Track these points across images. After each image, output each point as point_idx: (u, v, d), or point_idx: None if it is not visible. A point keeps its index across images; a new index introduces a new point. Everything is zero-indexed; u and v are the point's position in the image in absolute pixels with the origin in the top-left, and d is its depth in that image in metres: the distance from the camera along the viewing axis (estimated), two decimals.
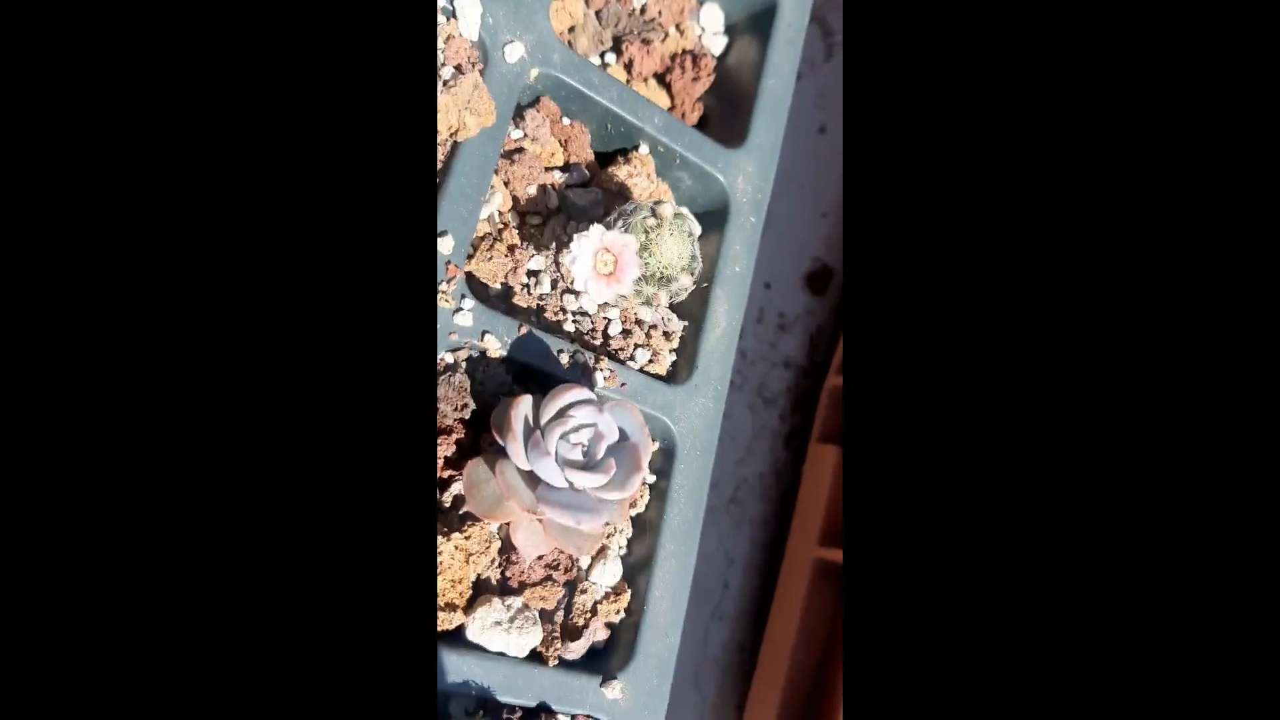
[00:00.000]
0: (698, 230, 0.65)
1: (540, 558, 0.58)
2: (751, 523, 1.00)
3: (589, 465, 0.52)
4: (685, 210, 0.62)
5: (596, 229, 0.55)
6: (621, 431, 0.54)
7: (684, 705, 0.92)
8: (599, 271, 0.56)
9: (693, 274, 0.61)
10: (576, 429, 0.53)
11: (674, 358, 0.70)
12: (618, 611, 0.63)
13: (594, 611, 0.61)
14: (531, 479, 0.52)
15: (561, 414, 0.52)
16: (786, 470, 1.03)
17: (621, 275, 0.56)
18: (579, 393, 0.53)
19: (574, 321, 0.65)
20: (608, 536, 0.64)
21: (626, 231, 0.56)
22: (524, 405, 0.52)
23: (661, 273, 0.58)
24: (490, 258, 0.62)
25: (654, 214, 0.58)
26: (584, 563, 0.63)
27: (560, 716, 0.57)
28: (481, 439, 0.58)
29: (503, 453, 0.53)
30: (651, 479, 0.67)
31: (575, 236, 0.55)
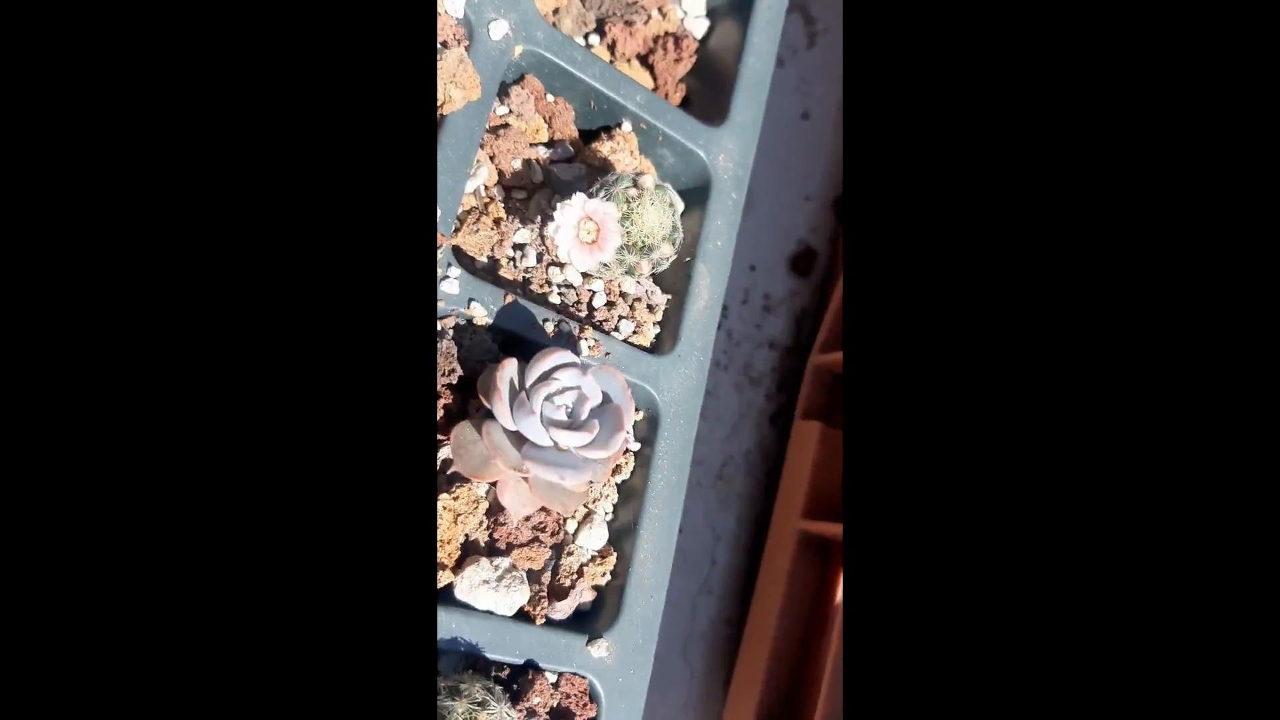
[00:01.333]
0: (680, 205, 0.67)
1: (527, 519, 0.60)
2: (738, 499, 1.02)
3: (573, 425, 0.54)
4: (667, 184, 0.64)
5: (579, 197, 0.56)
6: (605, 395, 0.56)
7: (673, 678, 0.94)
8: (582, 240, 0.58)
9: (674, 244, 0.63)
10: (561, 391, 0.54)
11: (657, 330, 0.71)
12: (604, 574, 0.64)
13: (580, 573, 0.63)
14: (517, 439, 0.54)
15: (546, 376, 0.54)
16: (772, 448, 1.05)
17: (604, 243, 0.57)
18: (563, 356, 0.54)
19: (559, 294, 0.67)
20: (593, 501, 0.65)
21: (608, 201, 0.58)
22: (510, 368, 0.54)
23: (643, 241, 0.60)
24: (477, 231, 0.63)
25: (635, 184, 0.60)
26: (570, 527, 0.64)
27: (547, 674, 0.59)
28: (469, 404, 0.60)
29: (489, 416, 0.55)
30: (636, 446, 0.68)
31: (559, 205, 0.57)
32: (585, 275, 0.67)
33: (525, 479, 0.55)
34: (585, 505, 0.65)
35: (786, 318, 1.09)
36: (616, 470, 0.67)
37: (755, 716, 0.85)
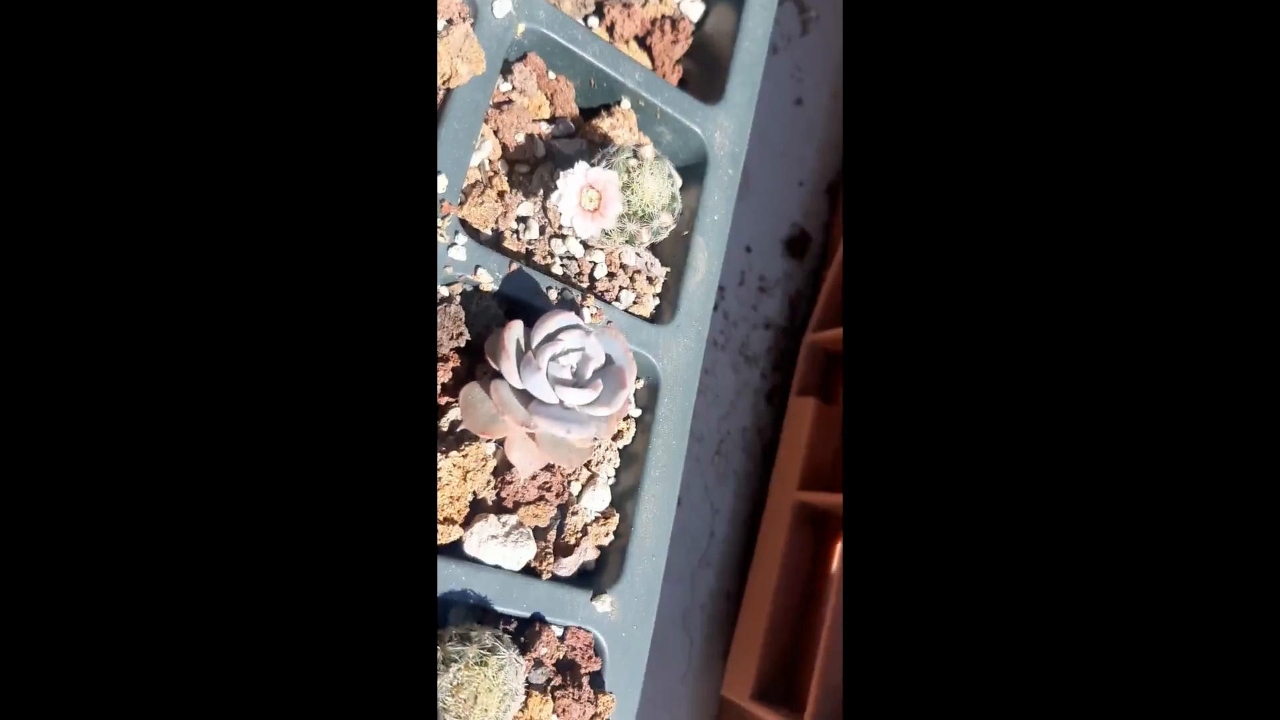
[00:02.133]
0: (678, 179, 0.69)
1: (533, 478, 0.62)
2: (735, 475, 1.04)
3: (578, 383, 0.56)
4: (665, 156, 0.66)
5: (581, 165, 0.59)
6: (608, 356, 0.58)
7: (673, 647, 0.96)
8: (584, 207, 0.60)
9: (673, 214, 0.65)
10: (565, 352, 0.57)
11: (657, 301, 0.73)
12: (607, 534, 0.66)
13: (584, 533, 0.65)
14: (524, 397, 0.56)
15: (552, 337, 0.56)
16: (768, 426, 1.07)
17: (605, 211, 0.59)
18: (568, 318, 0.56)
19: (562, 265, 0.69)
20: (596, 464, 0.67)
21: (610, 170, 0.60)
22: (516, 329, 0.56)
23: (643, 210, 0.62)
24: (482, 203, 0.66)
25: (635, 155, 0.62)
26: (575, 489, 0.66)
27: (554, 627, 0.61)
28: (476, 368, 0.62)
29: (497, 377, 0.57)
30: (637, 413, 0.70)
31: (561, 173, 0.59)
32: (587, 247, 0.69)
33: (532, 435, 0.57)
34: (589, 468, 0.67)
35: (781, 299, 1.11)
36: (618, 436, 0.70)
37: (754, 684, 0.87)
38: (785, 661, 0.89)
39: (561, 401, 0.56)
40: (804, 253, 1.14)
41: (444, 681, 0.51)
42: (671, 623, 0.96)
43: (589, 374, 0.57)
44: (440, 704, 0.51)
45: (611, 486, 0.69)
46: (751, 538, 1.01)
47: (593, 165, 0.60)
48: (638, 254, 0.72)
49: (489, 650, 0.52)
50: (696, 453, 1.01)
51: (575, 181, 0.59)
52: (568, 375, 0.56)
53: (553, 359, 0.56)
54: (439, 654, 0.52)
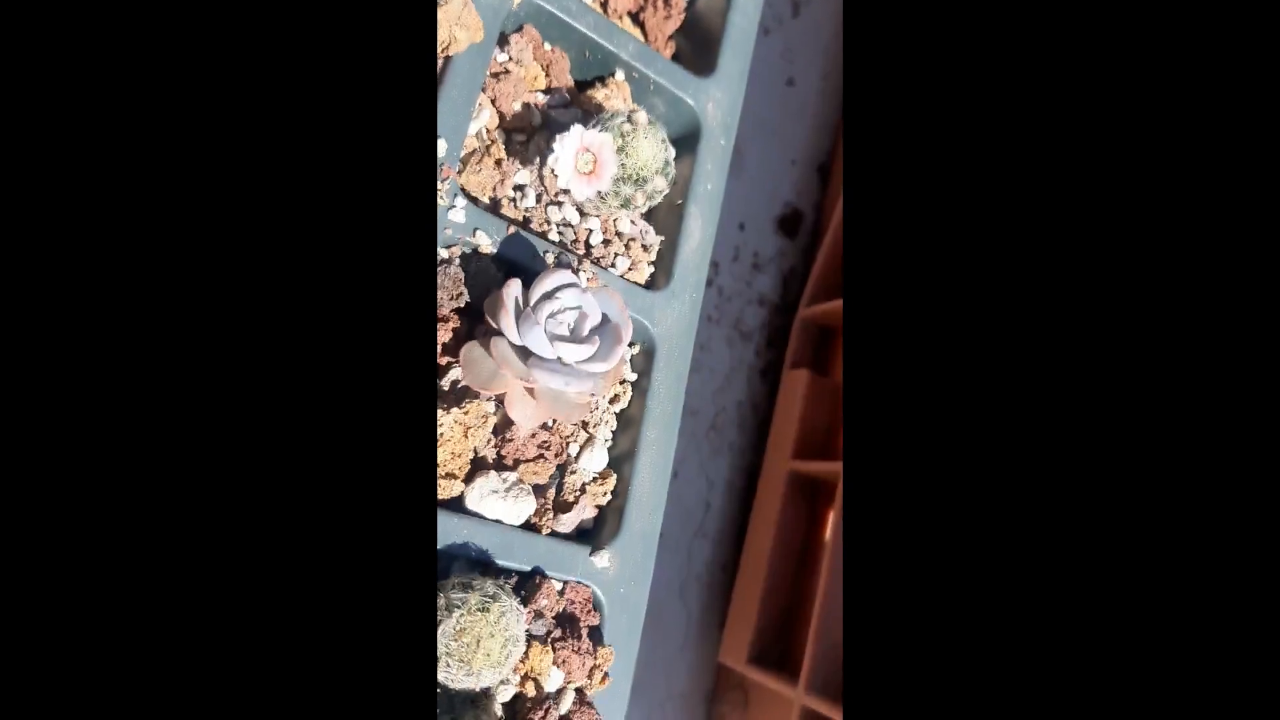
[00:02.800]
0: (671, 149, 0.70)
1: (533, 436, 0.63)
2: (730, 448, 1.05)
3: (575, 339, 0.57)
4: (659, 122, 0.67)
5: (577, 128, 0.60)
6: (604, 315, 0.60)
7: (671, 619, 0.97)
8: (580, 170, 0.61)
9: (667, 178, 0.66)
10: (563, 310, 0.58)
11: (651, 269, 0.75)
12: (604, 494, 0.68)
13: (583, 491, 0.67)
14: (523, 353, 0.57)
15: (550, 295, 0.57)
16: (762, 401, 1.08)
17: (601, 173, 0.61)
18: (565, 276, 0.58)
19: (558, 232, 0.70)
20: (594, 426, 0.69)
21: (605, 133, 0.62)
22: (515, 286, 0.57)
23: (638, 174, 0.63)
24: (479, 170, 0.67)
25: (630, 120, 0.64)
26: (573, 450, 0.68)
27: (553, 581, 0.62)
28: (475, 328, 0.63)
29: (496, 336, 0.58)
30: (633, 377, 0.72)
31: (558, 136, 0.60)
32: (582, 214, 0.71)
33: (530, 391, 0.58)
34: (586, 430, 0.69)
35: (775, 276, 1.13)
36: (615, 400, 0.71)
37: (750, 648, 0.89)
38: (781, 626, 0.91)
39: (560, 358, 0.57)
40: (796, 230, 1.15)
41: (446, 627, 0.52)
42: (669, 594, 0.98)
43: (586, 331, 0.58)
44: (443, 649, 0.52)
45: (608, 449, 0.70)
46: (746, 510, 1.02)
47: (588, 129, 0.62)
48: (632, 221, 0.73)
49: (491, 598, 0.54)
50: (691, 427, 1.03)
51: (571, 144, 0.60)
52: (565, 332, 0.58)
53: (551, 316, 0.57)
54: (441, 601, 0.53)
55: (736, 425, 1.06)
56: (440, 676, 0.52)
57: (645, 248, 0.74)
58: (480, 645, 0.52)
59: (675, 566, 0.99)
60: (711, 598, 1.01)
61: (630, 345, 0.70)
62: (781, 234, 1.14)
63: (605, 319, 0.59)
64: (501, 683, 0.59)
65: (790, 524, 0.92)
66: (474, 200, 0.67)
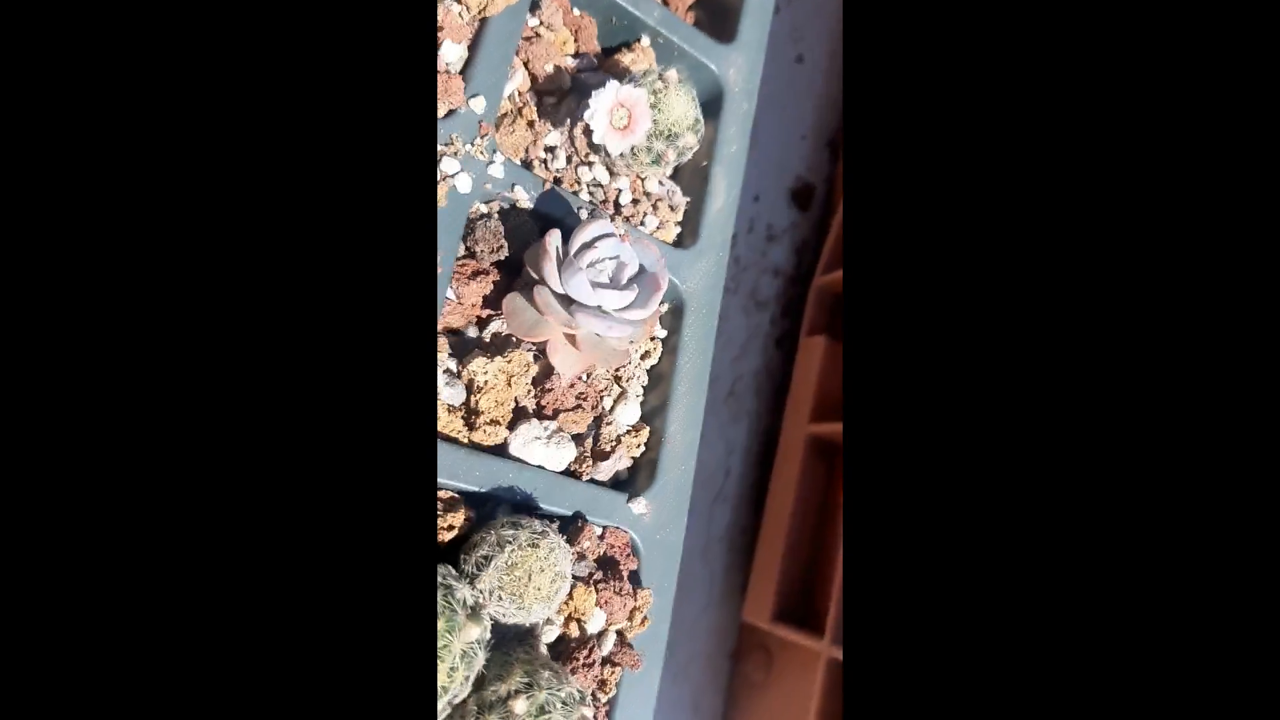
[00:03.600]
0: (700, 110, 0.72)
1: (571, 386, 0.65)
2: (749, 415, 1.07)
3: (615, 287, 0.59)
4: (689, 82, 0.69)
5: (612, 84, 0.62)
6: (641, 265, 0.61)
7: (694, 578, 0.99)
8: (614, 125, 0.63)
9: (696, 134, 0.68)
10: (602, 259, 0.60)
11: (679, 229, 0.77)
12: (638, 445, 0.70)
13: (618, 442, 0.68)
14: (565, 301, 0.59)
15: (589, 244, 0.59)
16: (778, 369, 1.10)
17: (635, 127, 0.63)
18: (604, 226, 0.60)
19: (589, 191, 0.72)
20: (626, 381, 0.71)
21: (639, 89, 0.63)
22: (556, 236, 0.59)
23: (670, 129, 0.65)
24: (513, 131, 0.69)
25: (661, 78, 0.65)
26: (607, 403, 0.70)
27: (593, 525, 0.64)
28: (514, 282, 0.65)
29: (536, 287, 0.60)
30: (663, 334, 0.74)
31: (594, 91, 0.62)
32: (612, 174, 0.73)
33: (571, 339, 0.60)
34: (619, 384, 0.70)
35: (788, 247, 1.15)
36: (645, 356, 0.73)
37: (774, 606, 0.91)
38: (804, 584, 0.93)
39: (600, 306, 0.59)
40: (809, 203, 1.17)
41: (499, 561, 0.54)
42: (691, 557, 1.00)
43: (625, 279, 0.60)
44: (495, 584, 0.54)
45: (640, 403, 0.72)
46: (765, 474, 1.04)
47: (623, 85, 0.64)
48: (660, 182, 0.75)
49: (540, 534, 0.56)
50: (710, 395, 1.04)
51: (606, 99, 0.62)
52: (605, 280, 0.59)
53: (591, 265, 0.59)
54: (493, 537, 0.55)
55: (754, 392, 1.08)
56: (492, 611, 0.54)
57: (672, 208, 0.76)
58: (531, 580, 0.54)
59: (697, 530, 1.01)
60: (733, 560, 1.02)
61: (660, 303, 0.72)
62: (794, 206, 1.16)
63: (642, 269, 0.61)
64: (546, 623, 0.60)
65: (810, 485, 0.94)
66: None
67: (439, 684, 0.48)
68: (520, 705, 0.49)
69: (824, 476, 0.96)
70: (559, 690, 0.51)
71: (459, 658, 0.48)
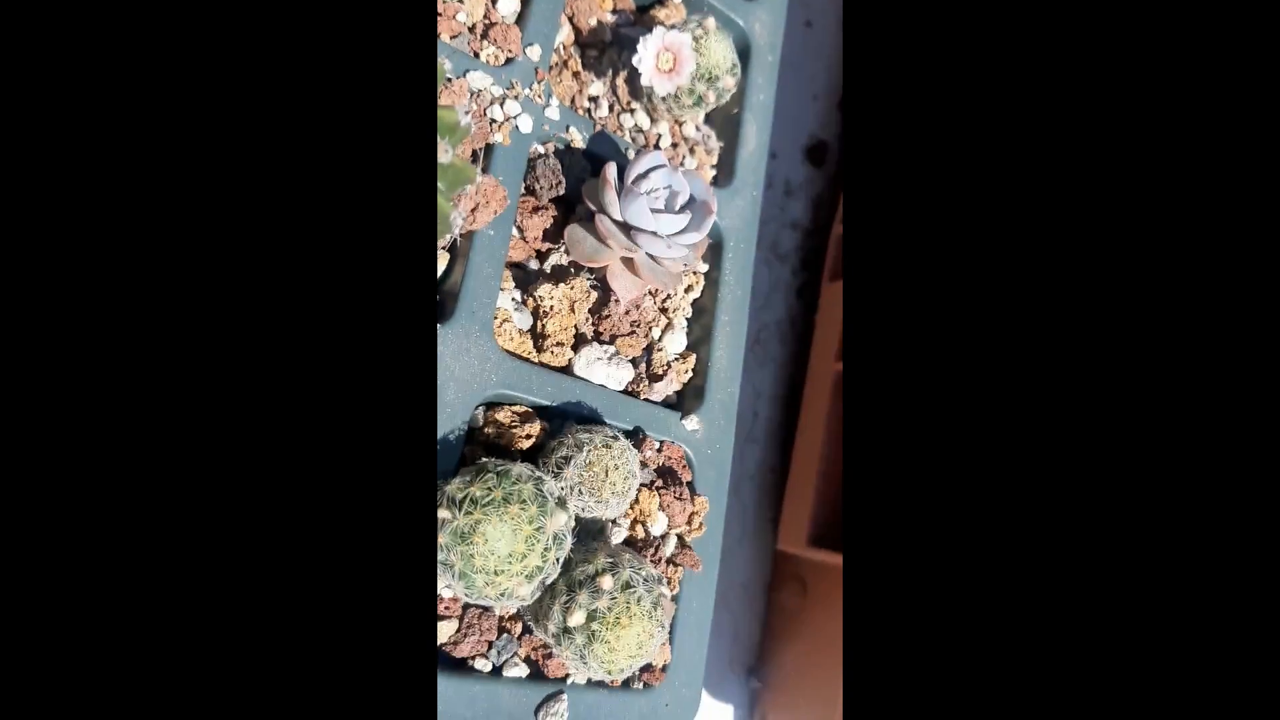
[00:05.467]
0: (736, 55, 0.77)
1: (626, 313, 0.70)
2: (774, 362, 1.12)
3: (670, 212, 0.64)
4: (726, 30, 0.74)
5: (659, 30, 0.67)
6: (691, 194, 0.67)
7: (729, 512, 1.05)
8: (660, 69, 0.68)
9: (734, 77, 0.73)
10: (656, 189, 0.65)
11: (714, 171, 0.82)
12: (686, 371, 0.75)
13: (669, 367, 0.74)
14: (623, 229, 0.64)
15: (645, 175, 0.64)
16: (800, 318, 1.16)
17: (680, 69, 0.68)
18: (657, 157, 0.65)
19: (630, 136, 0.77)
20: (673, 312, 0.76)
21: (683, 34, 0.68)
22: (613, 168, 0.64)
23: (710, 72, 0.70)
24: (560, 81, 0.74)
25: (701, 25, 0.70)
26: (655, 334, 0.75)
27: (652, 439, 0.69)
28: (569, 217, 0.70)
29: (597, 214, 0.65)
30: (704, 268, 0.79)
31: (641, 38, 0.67)
32: (652, 120, 0.78)
33: (628, 264, 0.65)
34: (666, 316, 0.76)
35: (806, 202, 1.20)
36: (689, 289, 0.78)
37: (809, 532, 0.96)
38: (836, 511, 0.98)
39: (656, 231, 0.64)
40: (823, 160, 1.22)
41: (578, 460, 0.59)
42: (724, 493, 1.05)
43: (678, 206, 0.65)
44: (575, 480, 0.59)
45: (686, 333, 0.77)
46: (791, 417, 1.10)
47: (668, 31, 0.69)
48: (697, 127, 0.80)
49: (613, 438, 0.61)
50: None
51: (653, 44, 0.67)
52: (661, 206, 0.65)
53: (646, 192, 0.64)
54: (570, 440, 0.60)
55: (778, 340, 1.13)
56: (573, 507, 0.59)
57: (708, 151, 0.81)
58: (608, 476, 0.59)
59: (729, 468, 1.06)
60: (763, 497, 1.08)
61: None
62: (809, 164, 1.22)
63: (693, 197, 0.66)
64: (614, 525, 0.66)
65: (838, 419, 0.99)
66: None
67: (533, 566, 0.53)
68: (607, 581, 0.55)
69: None
70: (640, 569, 0.56)
71: (551, 540, 0.53)
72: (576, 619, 0.54)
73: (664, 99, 0.72)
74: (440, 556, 0.53)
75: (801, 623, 1.00)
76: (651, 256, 0.65)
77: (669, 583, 0.67)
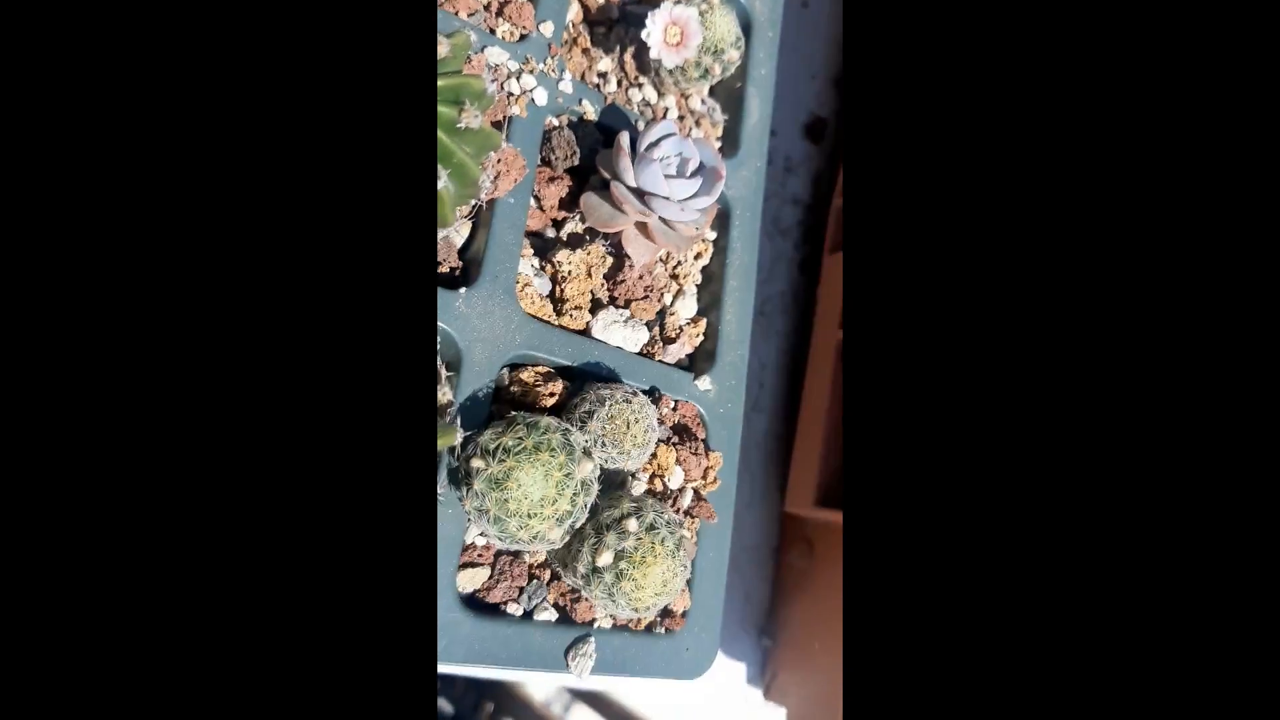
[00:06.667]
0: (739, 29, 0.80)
1: (640, 277, 0.73)
2: (777, 334, 1.16)
3: (682, 176, 0.67)
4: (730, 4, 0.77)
5: (666, 4, 0.70)
6: (701, 161, 0.70)
7: (737, 478, 1.08)
8: (668, 42, 0.71)
9: (739, 50, 0.76)
10: (669, 155, 0.68)
11: (720, 143, 0.85)
12: (697, 335, 0.78)
13: (681, 331, 0.77)
14: (637, 195, 0.67)
15: (656, 143, 0.67)
16: (803, 291, 1.19)
17: (687, 42, 0.71)
18: (668, 126, 0.68)
19: (639, 110, 0.80)
20: (683, 279, 0.79)
21: (689, 8, 0.71)
22: (626, 137, 0.67)
23: (715, 45, 0.73)
24: (571, 58, 0.77)
25: (706, 1, 0.73)
26: (667, 299, 0.78)
27: (667, 397, 0.73)
28: (583, 186, 0.73)
29: (612, 181, 0.68)
30: (713, 235, 0.82)
31: (650, 13, 0.70)
32: (659, 94, 0.81)
33: (642, 229, 0.68)
34: (677, 282, 0.79)
35: (806, 178, 1.23)
36: (698, 256, 0.81)
37: (815, 494, 0.99)
38: (839, 473, 1.01)
39: (669, 196, 0.67)
40: (821, 137, 1.25)
41: (601, 413, 0.62)
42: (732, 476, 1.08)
43: (689, 172, 0.68)
44: (599, 433, 0.62)
45: (696, 300, 0.80)
46: (795, 386, 1.13)
47: (675, 6, 0.72)
48: (702, 100, 0.83)
49: (632, 394, 0.64)
50: None
51: (661, 18, 0.70)
52: (673, 171, 0.67)
53: (659, 159, 0.67)
54: (593, 395, 0.63)
55: (781, 312, 1.16)
56: (598, 458, 0.62)
57: (714, 124, 0.84)
58: (630, 428, 0.62)
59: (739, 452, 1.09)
60: (769, 464, 1.11)
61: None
62: (808, 140, 1.24)
63: (702, 163, 0.69)
64: (633, 478, 0.69)
65: (841, 385, 1.02)
66: None
67: (563, 510, 0.56)
68: (633, 524, 0.58)
69: None
70: (663, 514, 0.60)
71: (580, 486, 0.57)
72: (605, 559, 0.57)
73: (671, 72, 0.75)
74: (475, 503, 0.56)
75: (809, 582, 1.04)
76: (665, 221, 0.68)
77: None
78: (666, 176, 0.67)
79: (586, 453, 0.58)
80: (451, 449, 0.58)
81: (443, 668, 0.59)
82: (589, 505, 0.58)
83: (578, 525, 0.58)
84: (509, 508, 0.54)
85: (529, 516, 0.55)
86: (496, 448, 0.55)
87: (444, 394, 0.57)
